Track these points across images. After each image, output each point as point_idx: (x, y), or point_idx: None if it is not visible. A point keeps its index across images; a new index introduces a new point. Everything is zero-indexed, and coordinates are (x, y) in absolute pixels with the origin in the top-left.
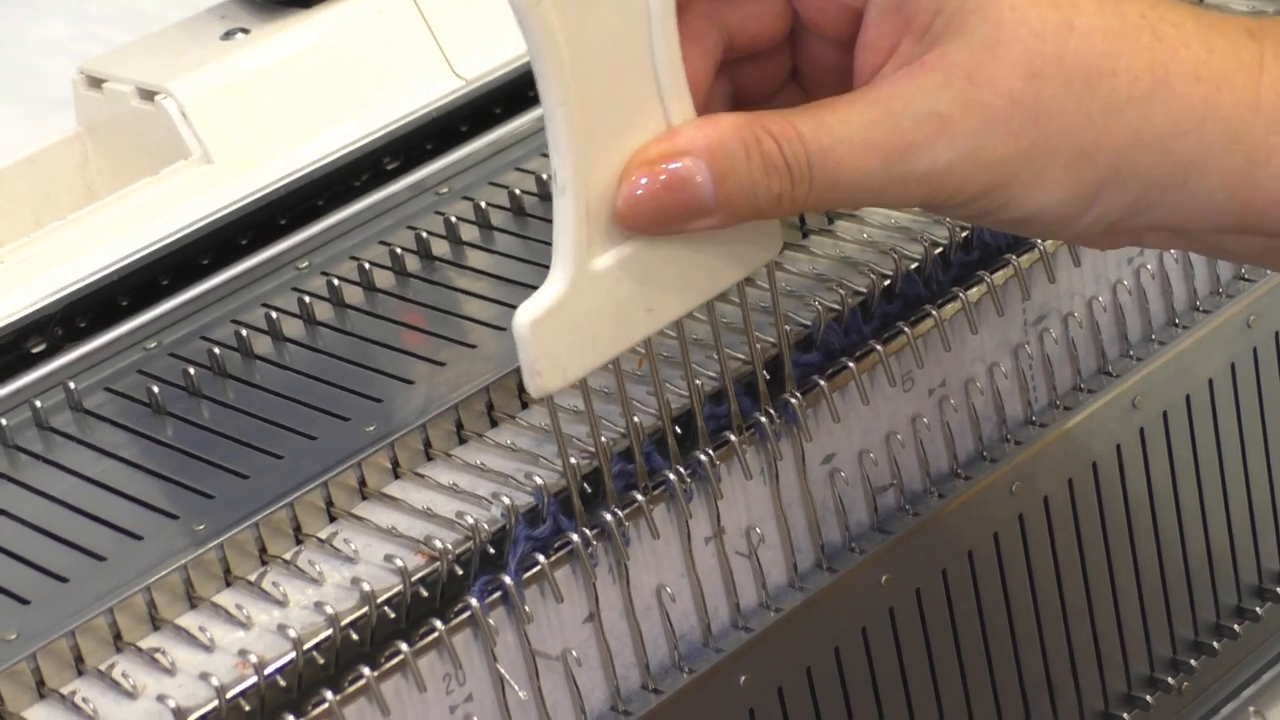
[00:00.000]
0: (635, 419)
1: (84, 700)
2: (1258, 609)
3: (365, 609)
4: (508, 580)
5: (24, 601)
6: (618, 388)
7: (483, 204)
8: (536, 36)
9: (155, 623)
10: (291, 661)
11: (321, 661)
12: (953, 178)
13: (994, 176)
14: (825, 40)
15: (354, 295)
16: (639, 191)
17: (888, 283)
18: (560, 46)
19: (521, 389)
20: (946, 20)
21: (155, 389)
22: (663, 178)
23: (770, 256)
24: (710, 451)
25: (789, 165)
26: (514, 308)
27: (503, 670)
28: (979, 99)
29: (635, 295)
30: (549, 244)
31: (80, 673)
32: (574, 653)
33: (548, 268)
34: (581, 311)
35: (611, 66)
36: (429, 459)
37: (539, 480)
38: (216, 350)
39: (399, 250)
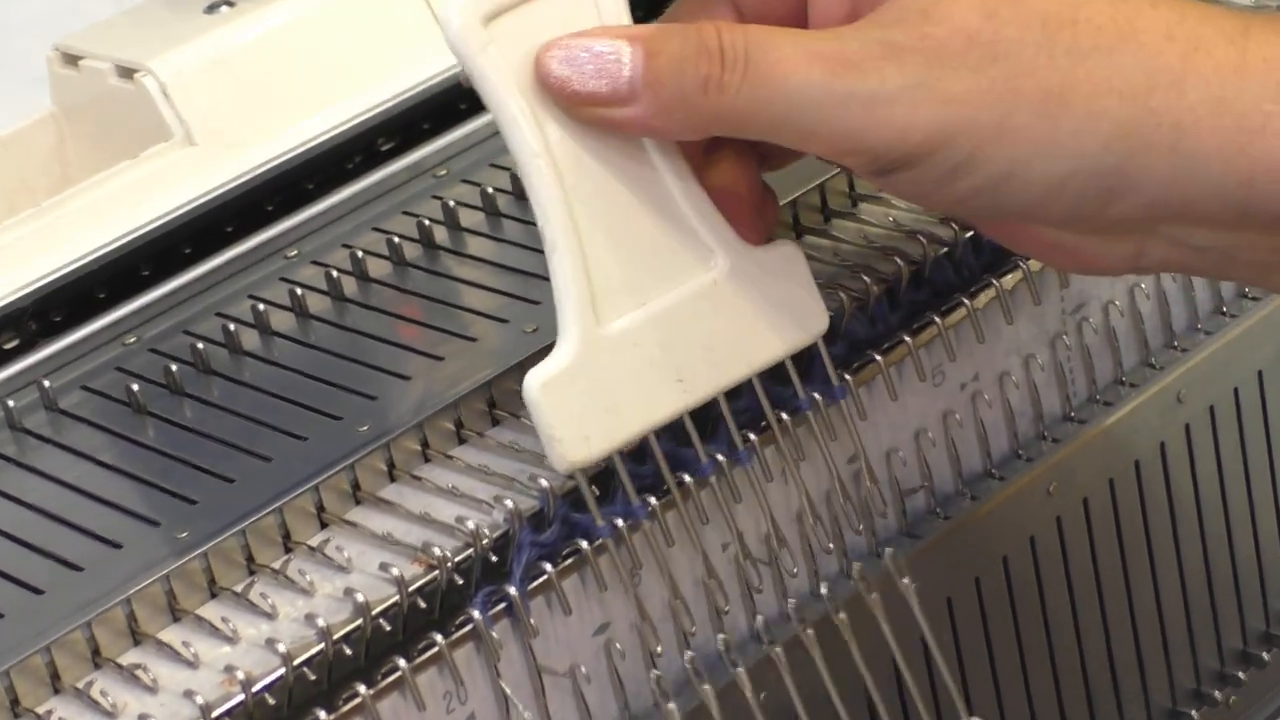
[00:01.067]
0: None
1: None
2: None
3: (359, 622)
4: (512, 591)
5: None
6: None
7: (485, 188)
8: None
9: (136, 637)
10: (281, 678)
11: (313, 678)
12: (899, 110)
13: (950, 117)
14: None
15: (347, 286)
16: (555, 54)
17: (916, 269)
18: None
19: None
20: None
21: (135, 387)
22: (587, 49)
23: (813, 336)
24: (723, 456)
25: (723, 49)
26: (520, 299)
27: (507, 688)
28: (933, 33)
29: (660, 365)
30: None
31: (56, 691)
32: (583, 669)
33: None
34: (597, 377)
35: None
36: (427, 460)
37: (544, 482)
38: (200, 345)
39: (395, 238)
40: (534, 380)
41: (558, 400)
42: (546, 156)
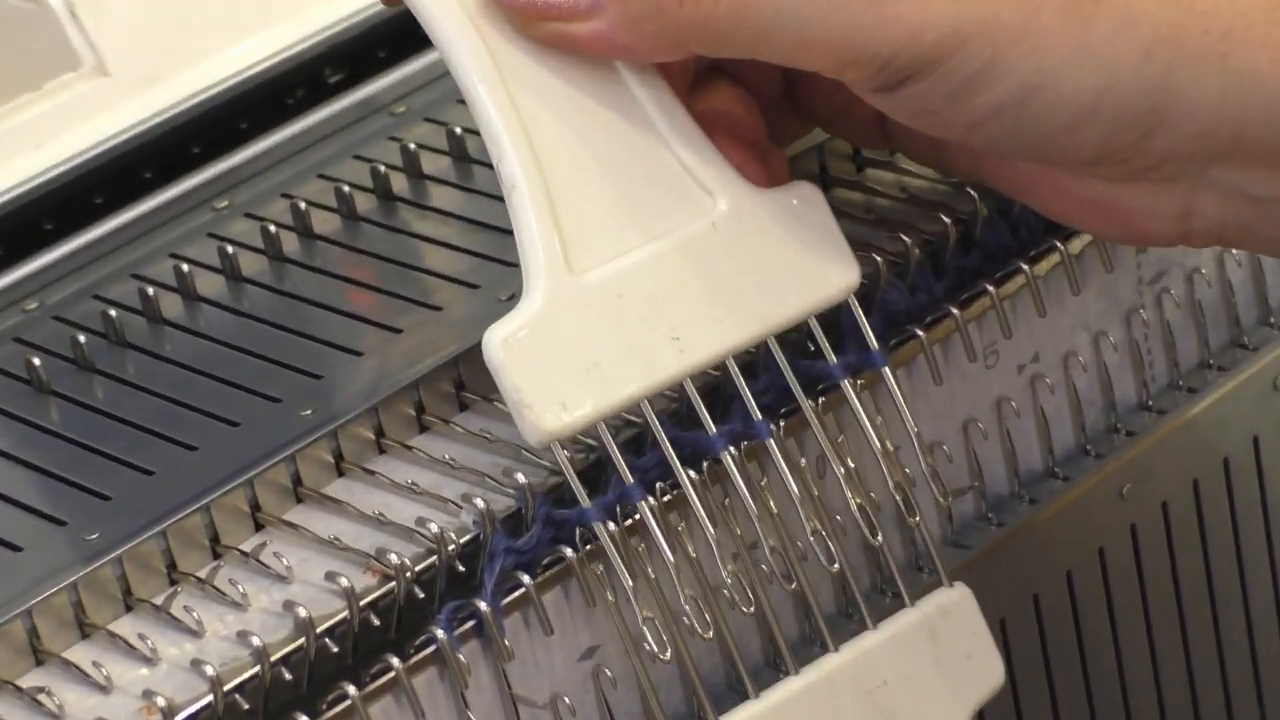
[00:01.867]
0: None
1: None
2: None
3: (301, 641)
4: (482, 606)
5: None
6: None
7: (452, 128)
8: None
9: (38, 656)
10: (208, 707)
11: (246, 707)
12: (907, 5)
13: (967, 16)
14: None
15: (287, 243)
16: None
17: (965, 228)
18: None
19: None
20: None
21: (37, 361)
22: None
23: (840, 292)
24: (734, 450)
25: None
26: (493, 261)
27: None
28: None
29: (650, 320)
30: None
31: None
32: (567, 700)
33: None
34: (572, 332)
35: None
36: (381, 451)
37: (522, 478)
38: (113, 313)
39: (344, 186)
40: (494, 337)
41: (525, 359)
42: (496, 82)
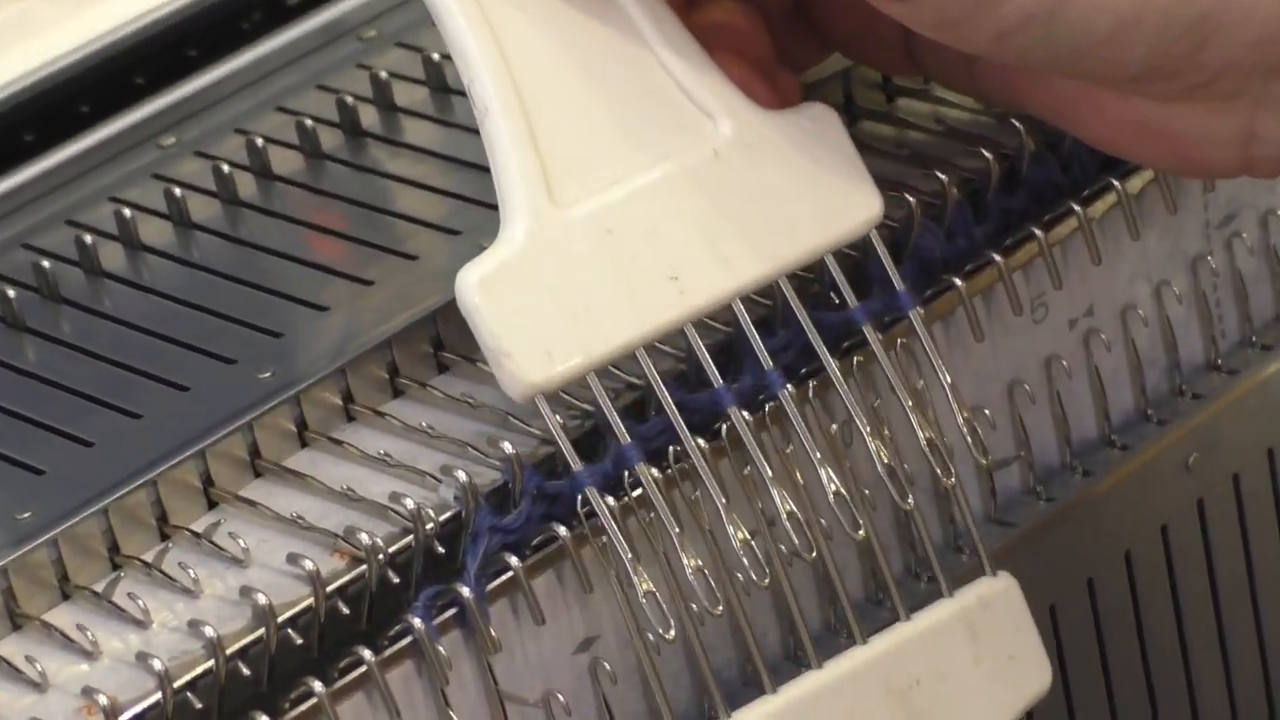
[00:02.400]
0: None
1: None
2: None
3: (261, 632)
4: (465, 592)
5: None
6: None
7: (429, 54)
8: None
9: None
10: (156, 706)
11: (199, 706)
12: None
13: None
14: None
15: (243, 185)
16: None
17: (1010, 164)
18: None
19: None
20: None
21: None
22: None
23: (862, 226)
24: (746, 414)
25: None
26: (475, 204)
27: None
28: None
29: (646, 258)
30: None
31: None
32: (560, 697)
33: None
34: (557, 272)
35: None
36: (350, 419)
37: (508, 448)
38: (46, 264)
39: (307, 120)
40: (469, 277)
41: (504, 302)
42: None
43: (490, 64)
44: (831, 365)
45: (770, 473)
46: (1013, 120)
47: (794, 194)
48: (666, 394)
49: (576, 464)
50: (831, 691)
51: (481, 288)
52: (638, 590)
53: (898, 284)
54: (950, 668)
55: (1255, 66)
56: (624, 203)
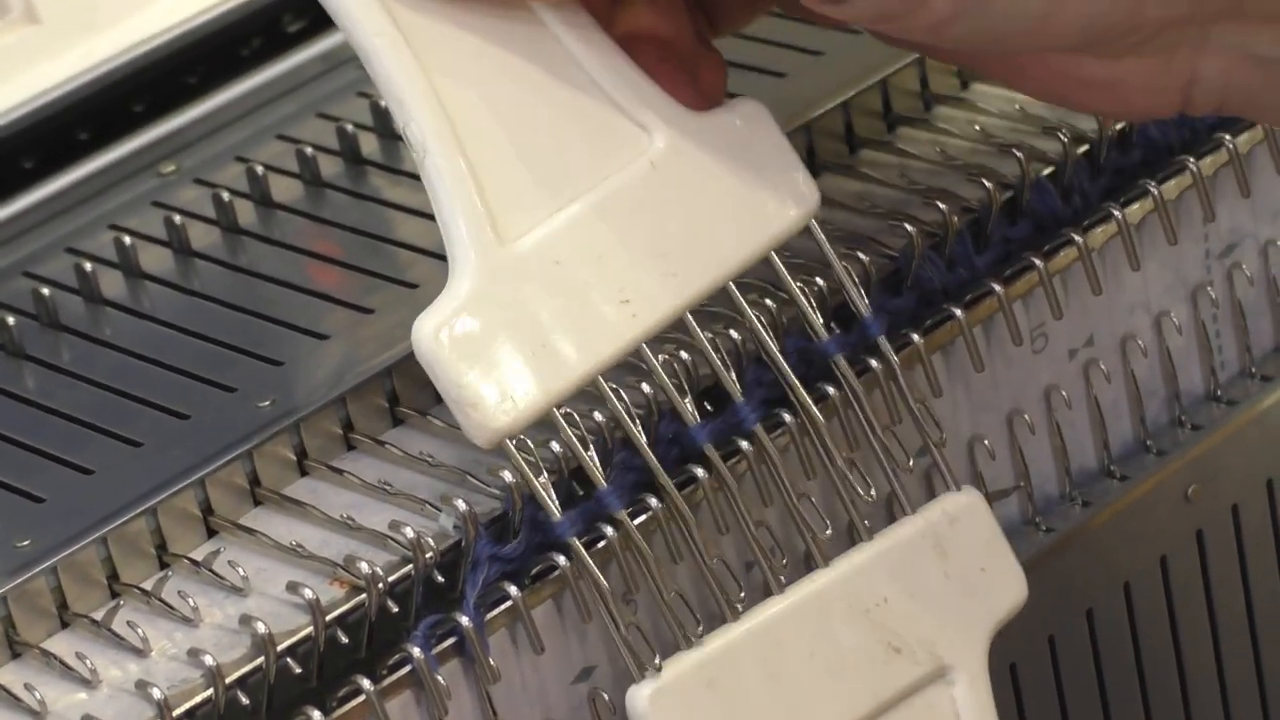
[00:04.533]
0: (646, 389)
1: None
2: None
3: (260, 661)
4: (464, 621)
5: None
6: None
7: None
8: None
9: None
10: None
11: None
12: None
13: None
14: None
15: (243, 213)
16: None
17: (1010, 194)
18: None
19: None
20: None
21: None
22: None
23: (802, 216)
24: (738, 442)
25: None
26: None
27: None
28: None
29: (596, 284)
30: None
31: None
32: None
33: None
34: (511, 312)
35: None
36: (350, 448)
37: (508, 477)
38: (47, 292)
39: (307, 149)
40: (424, 328)
41: (462, 350)
42: (395, 36)
43: (424, 103)
44: (799, 394)
45: (747, 515)
46: (1014, 150)
47: (732, 197)
48: (642, 437)
49: (556, 514)
50: (796, 613)
51: (438, 337)
52: (620, 626)
53: (865, 311)
54: (920, 585)
55: (1193, 16)
56: (568, 231)
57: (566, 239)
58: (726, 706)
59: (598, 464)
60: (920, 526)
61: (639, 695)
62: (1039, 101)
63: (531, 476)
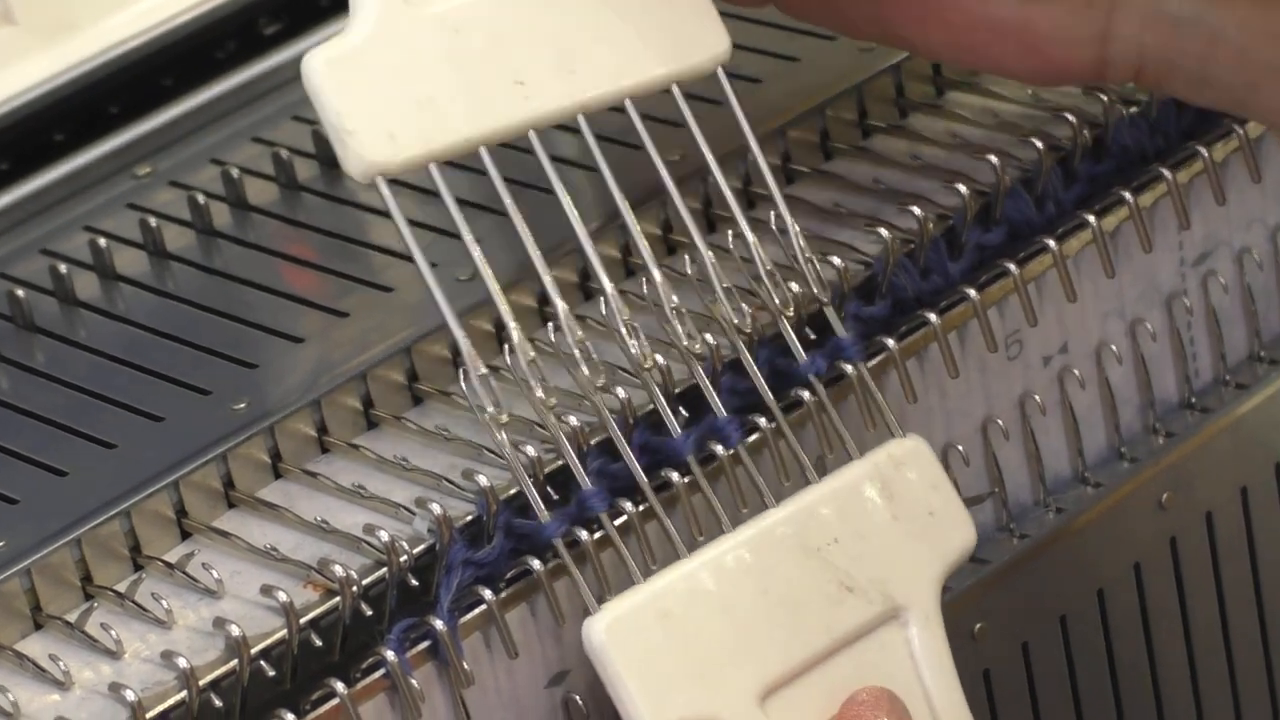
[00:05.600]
0: (622, 394)
1: None
2: None
3: (233, 664)
4: (438, 625)
5: None
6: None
7: None
8: None
9: None
10: None
11: None
12: None
13: None
14: None
15: (217, 215)
16: None
17: (984, 199)
18: None
19: (457, 352)
20: None
21: None
22: None
23: (709, 62)
24: (706, 453)
25: None
26: (450, 235)
27: None
28: None
29: (492, 60)
30: (512, 147)
31: None
32: None
33: (510, 182)
34: (404, 64)
35: None
36: (324, 451)
37: (483, 480)
38: (21, 294)
39: (282, 151)
40: (315, 59)
41: (350, 84)
42: None
43: None
44: (775, 409)
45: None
46: (989, 157)
47: (644, 21)
48: (625, 442)
49: (543, 514)
50: (747, 548)
51: (328, 69)
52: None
53: (840, 331)
54: (868, 526)
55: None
56: (473, 6)
57: (470, 12)
58: (681, 638)
59: (579, 464)
60: (866, 469)
61: (594, 627)
62: (952, 65)
63: (525, 476)
